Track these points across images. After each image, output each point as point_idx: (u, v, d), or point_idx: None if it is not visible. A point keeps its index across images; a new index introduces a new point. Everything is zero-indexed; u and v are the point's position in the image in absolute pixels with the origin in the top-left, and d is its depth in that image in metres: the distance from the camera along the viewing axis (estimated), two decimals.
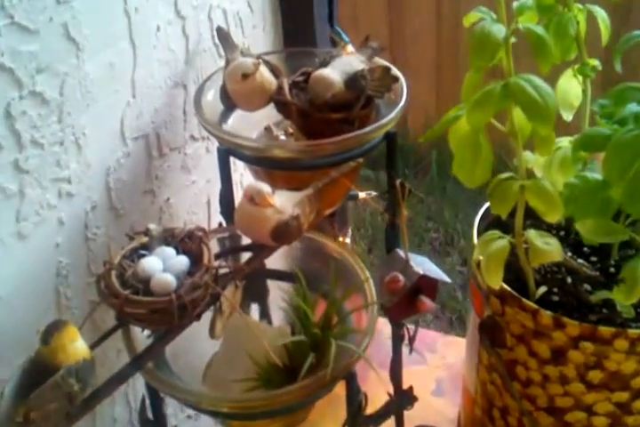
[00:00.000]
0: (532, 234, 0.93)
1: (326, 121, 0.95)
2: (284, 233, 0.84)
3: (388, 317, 0.97)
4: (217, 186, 1.02)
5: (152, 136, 1.02)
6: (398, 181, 0.96)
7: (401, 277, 0.97)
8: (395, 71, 0.99)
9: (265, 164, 0.96)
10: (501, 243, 0.96)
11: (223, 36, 1.06)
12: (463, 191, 2.60)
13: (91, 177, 0.91)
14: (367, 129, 0.91)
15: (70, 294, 0.92)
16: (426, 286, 0.96)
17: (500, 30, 0.79)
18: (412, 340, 1.05)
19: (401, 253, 1.00)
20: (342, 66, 0.96)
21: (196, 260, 0.81)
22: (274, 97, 0.98)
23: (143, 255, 0.81)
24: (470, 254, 1.04)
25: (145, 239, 0.83)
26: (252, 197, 0.83)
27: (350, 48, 1.16)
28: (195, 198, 1.16)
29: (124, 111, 0.94)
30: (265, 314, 1.05)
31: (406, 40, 2.86)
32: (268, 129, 0.93)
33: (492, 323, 1.03)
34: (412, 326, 1.00)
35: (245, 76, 0.95)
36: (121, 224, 0.98)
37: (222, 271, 0.82)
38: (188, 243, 0.83)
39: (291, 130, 0.93)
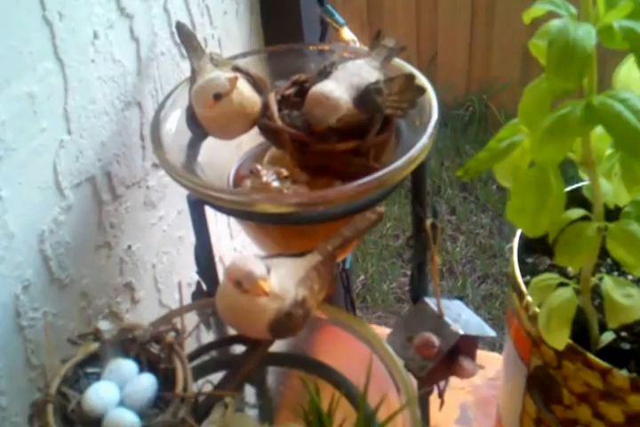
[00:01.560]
0: (608, 284, 0.71)
1: (331, 153, 0.71)
2: (285, 326, 0.61)
3: (418, 383, 0.77)
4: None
5: (100, 177, 0.77)
6: (429, 222, 0.72)
7: (435, 340, 0.77)
8: (420, 79, 0.74)
9: (253, 218, 0.71)
10: (566, 294, 0.73)
11: (186, 37, 0.81)
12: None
13: (17, 250, 0.67)
14: (394, 166, 0.66)
15: (5, 402, 0.68)
16: (465, 344, 0.78)
17: (588, 35, 0.54)
18: (441, 394, 0.84)
19: (431, 304, 0.79)
20: (349, 76, 0.71)
21: (165, 376, 0.58)
22: (259, 121, 0.73)
23: (92, 374, 0.58)
24: (510, 284, 0.81)
25: (94, 346, 0.59)
26: (240, 282, 0.59)
27: (347, 33, 0.90)
28: (164, 236, 0.92)
29: (56, 155, 0.69)
30: (262, 396, 0.82)
31: None
32: (255, 173, 0.68)
33: (545, 377, 0.82)
34: None
35: (219, 97, 0.70)
36: (67, 296, 0.76)
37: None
38: (154, 350, 0.59)
39: (285, 172, 0.68)
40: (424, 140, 0.69)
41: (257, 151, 0.83)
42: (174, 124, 0.76)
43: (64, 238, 0.73)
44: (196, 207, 0.73)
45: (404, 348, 0.80)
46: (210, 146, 0.77)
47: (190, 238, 0.84)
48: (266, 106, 0.74)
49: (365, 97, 0.70)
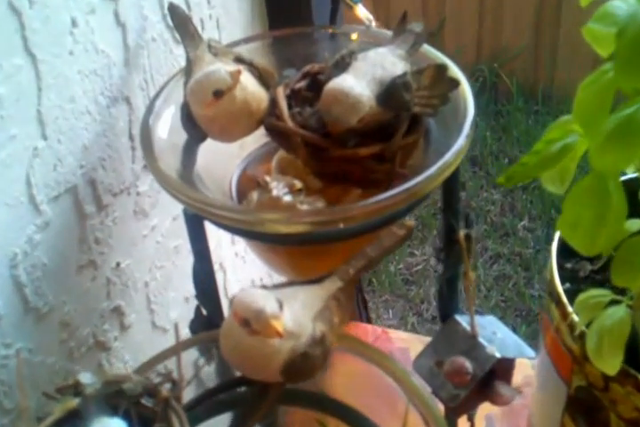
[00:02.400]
0: None
1: (352, 159, 0.60)
2: (301, 369, 0.52)
3: (446, 412, 0.67)
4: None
5: (82, 187, 0.67)
6: (462, 234, 0.62)
7: (468, 366, 0.67)
8: (453, 70, 0.63)
9: (262, 238, 0.61)
10: (619, 314, 0.63)
11: (180, 21, 0.70)
12: None
13: None
14: (427, 174, 0.56)
15: None
16: (501, 368, 0.69)
17: None
18: (471, 418, 0.75)
19: (463, 323, 0.69)
20: (371, 68, 0.61)
21: None
22: (265, 121, 0.62)
23: None
24: (547, 292, 0.72)
25: (74, 402, 0.49)
26: (248, 322, 0.49)
27: (361, 11, 0.79)
28: (158, 248, 0.81)
29: (29, 165, 0.59)
30: None
31: None
32: (263, 185, 0.58)
33: (589, 399, 0.73)
34: None
35: (219, 94, 0.60)
36: (46, 327, 0.66)
37: None
38: (147, 404, 0.49)
39: (298, 184, 0.58)
40: (460, 142, 0.59)
41: (262, 153, 0.72)
42: (167, 125, 0.66)
43: (40, 260, 0.63)
44: (194, 223, 0.62)
45: (432, 374, 0.71)
46: (208, 148, 0.66)
47: (187, 247, 0.73)
48: (273, 103, 0.63)
49: (391, 93, 0.60)
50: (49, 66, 0.59)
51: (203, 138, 0.64)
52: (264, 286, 0.56)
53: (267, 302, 0.50)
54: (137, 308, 0.80)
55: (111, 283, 0.74)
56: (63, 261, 0.67)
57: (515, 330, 1.68)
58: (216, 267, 0.91)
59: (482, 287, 1.87)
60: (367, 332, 1.09)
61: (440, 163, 0.57)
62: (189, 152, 0.66)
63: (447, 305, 0.72)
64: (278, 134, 0.63)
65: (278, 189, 0.57)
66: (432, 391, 0.69)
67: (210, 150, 0.66)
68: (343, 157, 0.60)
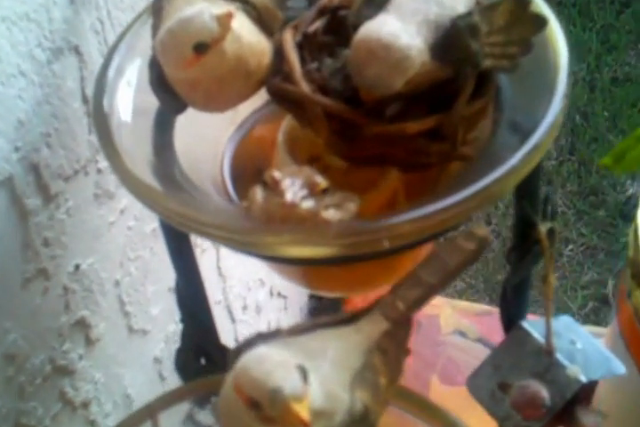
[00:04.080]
0: None
1: (396, 138, 0.42)
2: None
3: None
4: None
5: (21, 176, 0.49)
6: (544, 228, 0.45)
7: (545, 396, 0.51)
8: (537, 4, 0.44)
9: (274, 260, 0.43)
10: None
11: None
12: None
13: None
14: (512, 163, 0.38)
15: None
16: (583, 391, 0.53)
17: None
18: None
19: (533, 332, 0.54)
20: (421, 5, 0.42)
21: None
22: (269, 83, 0.44)
23: None
24: (629, 265, 0.62)
25: None
26: (259, 405, 0.32)
27: None
28: (130, 236, 0.64)
29: None
30: None
31: None
32: (271, 184, 0.39)
33: None
34: None
35: (202, 49, 0.41)
36: None
37: None
38: None
39: (322, 182, 0.40)
40: (554, 109, 0.41)
41: (262, 118, 0.54)
42: (131, 90, 0.47)
43: None
44: (176, 235, 0.44)
45: (494, 399, 0.55)
46: (189, 119, 0.48)
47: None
48: (279, 55, 0.44)
49: (451, 41, 0.41)
50: None
51: (181, 108, 0.46)
52: (276, 332, 0.39)
53: (285, 375, 0.33)
54: (106, 314, 0.63)
55: (69, 292, 0.57)
56: (2, 276, 0.49)
57: None
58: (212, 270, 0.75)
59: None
60: None
61: (530, 143, 0.39)
62: (163, 127, 0.47)
63: (513, 311, 0.55)
64: (288, 102, 0.44)
65: (294, 190, 0.39)
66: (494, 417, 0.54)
67: (191, 122, 0.48)
68: (383, 135, 0.42)
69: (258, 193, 0.41)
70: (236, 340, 0.90)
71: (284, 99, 0.44)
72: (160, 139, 0.46)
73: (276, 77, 0.45)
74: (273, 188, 0.40)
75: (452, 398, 0.71)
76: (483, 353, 0.56)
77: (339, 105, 0.42)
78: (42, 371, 0.55)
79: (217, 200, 0.44)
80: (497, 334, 0.59)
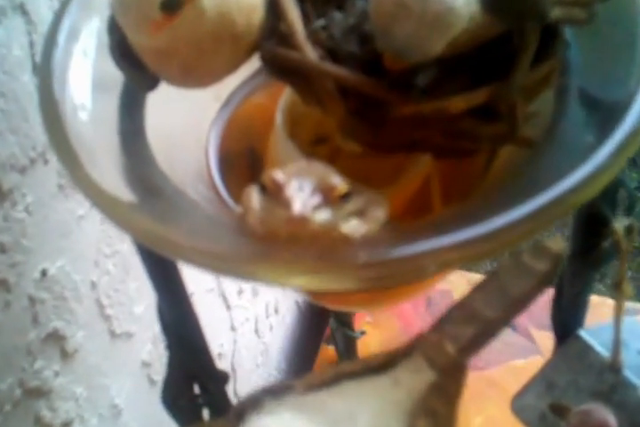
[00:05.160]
0: None
1: (435, 119, 0.31)
2: None
3: None
4: None
5: None
6: (621, 226, 0.35)
7: (612, 423, 0.41)
8: None
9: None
10: None
11: None
12: None
13: None
14: (605, 155, 0.28)
15: None
16: None
17: None
18: None
19: (594, 344, 0.45)
20: None
21: None
22: (263, 49, 0.33)
23: None
24: None
25: None
26: None
27: None
28: (104, 229, 0.55)
29: None
30: None
31: None
32: (272, 189, 0.29)
33: None
34: None
35: (173, 7, 0.30)
36: None
37: None
38: None
39: (342, 186, 0.29)
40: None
41: (254, 92, 0.43)
42: (88, 62, 0.36)
43: None
44: (152, 256, 0.34)
45: (545, 422, 0.46)
46: (163, 97, 0.37)
47: None
48: (274, 10, 0.34)
49: None
50: None
51: (152, 84, 0.35)
52: (288, 386, 0.29)
53: None
54: (84, 322, 0.53)
55: (37, 302, 0.48)
56: None
57: None
58: None
59: None
60: None
61: (625, 129, 0.28)
62: (132, 109, 0.37)
63: (568, 319, 0.45)
64: (288, 72, 0.34)
65: (303, 197, 0.28)
66: None
67: (167, 102, 0.37)
68: (418, 116, 0.32)
69: (254, 198, 0.30)
70: (232, 327, 0.81)
71: (283, 69, 0.34)
72: (128, 125, 0.36)
73: (270, 40, 0.34)
74: (275, 194, 0.29)
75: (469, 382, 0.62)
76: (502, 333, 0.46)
77: (356, 76, 0.32)
78: (11, 397, 0.47)
79: (204, 207, 0.34)
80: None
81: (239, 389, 0.84)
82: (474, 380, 0.63)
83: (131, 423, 0.62)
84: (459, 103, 0.32)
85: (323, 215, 0.29)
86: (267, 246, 0.27)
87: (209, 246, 0.28)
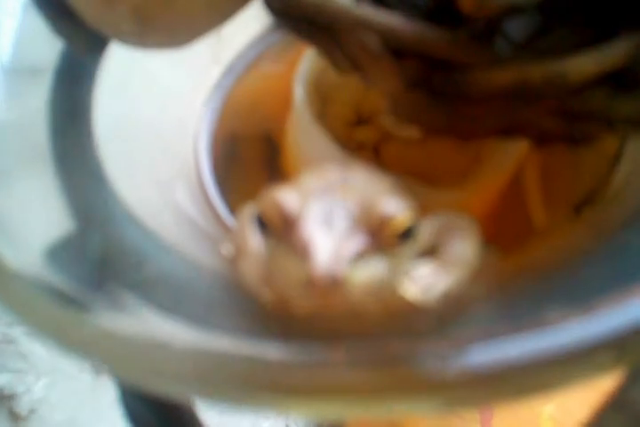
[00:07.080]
0: None
1: (538, 92, 0.19)
2: None
3: None
4: None
5: None
6: None
7: None
8: None
9: None
10: None
11: None
12: None
13: None
14: None
15: None
16: None
17: None
18: None
19: None
20: None
21: None
22: None
23: None
24: None
25: None
26: None
27: None
28: None
29: None
30: None
31: None
32: (273, 224, 0.17)
33: None
34: None
35: None
36: None
37: None
38: None
39: (403, 217, 0.17)
40: None
41: (266, 52, 0.32)
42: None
43: None
44: None
45: None
46: (126, 68, 0.25)
47: None
48: None
49: None
50: None
51: (96, 45, 0.24)
52: None
53: None
54: (42, 368, 0.42)
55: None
56: None
57: None
58: None
59: None
60: None
61: None
62: (73, 93, 0.24)
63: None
64: (311, 27, 0.22)
65: (332, 240, 0.16)
66: None
67: (131, 76, 0.25)
68: (515, 87, 0.20)
69: (252, 235, 0.19)
70: None
71: (301, 20, 0.22)
72: (65, 123, 0.23)
73: None
74: (282, 231, 0.17)
75: None
76: None
77: (416, 27, 0.20)
78: None
79: (185, 248, 0.22)
80: None
81: None
82: None
83: None
84: (585, 66, 0.19)
85: (369, 271, 0.17)
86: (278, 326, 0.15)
87: (198, 366, 0.16)
